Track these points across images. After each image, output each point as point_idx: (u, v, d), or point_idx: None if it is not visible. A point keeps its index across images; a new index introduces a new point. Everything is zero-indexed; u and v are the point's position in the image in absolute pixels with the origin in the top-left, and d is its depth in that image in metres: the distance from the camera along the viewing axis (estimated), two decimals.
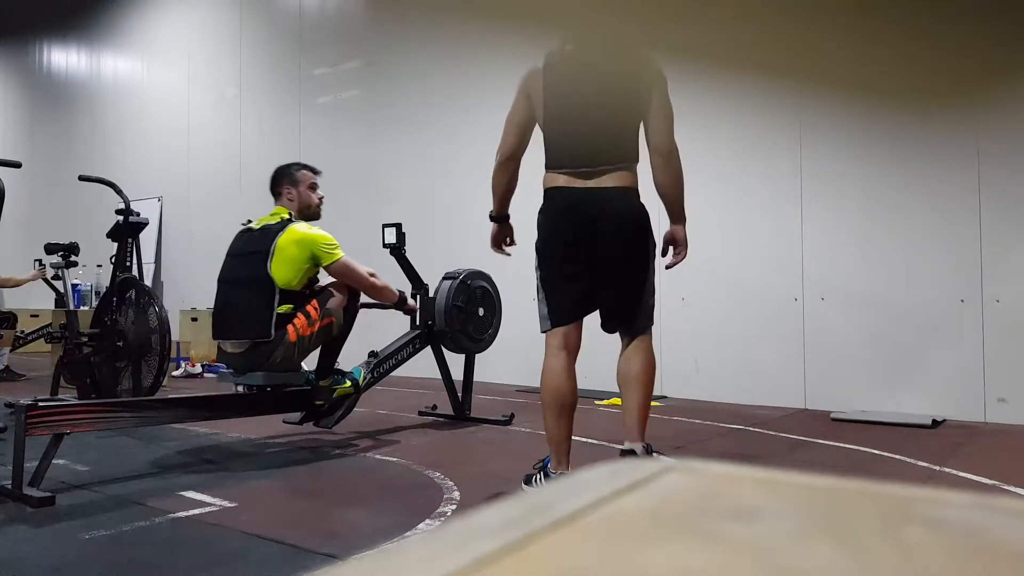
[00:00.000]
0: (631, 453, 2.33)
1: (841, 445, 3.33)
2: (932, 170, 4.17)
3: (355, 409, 3.80)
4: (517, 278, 5.76)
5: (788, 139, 4.61)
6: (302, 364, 3.34)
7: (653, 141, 2.38)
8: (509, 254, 2.71)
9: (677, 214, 2.49)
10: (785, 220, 4.61)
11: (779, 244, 4.63)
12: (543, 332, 2.43)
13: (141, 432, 3.49)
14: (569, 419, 2.38)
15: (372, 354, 3.69)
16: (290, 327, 3.10)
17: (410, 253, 4.00)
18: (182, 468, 2.92)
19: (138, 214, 4.33)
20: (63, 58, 10.81)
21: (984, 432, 3.69)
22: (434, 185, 6.33)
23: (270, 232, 3.19)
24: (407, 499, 2.49)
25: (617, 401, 4.68)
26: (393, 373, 3.80)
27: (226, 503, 2.37)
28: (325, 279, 3.38)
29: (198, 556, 1.91)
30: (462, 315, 3.92)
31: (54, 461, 2.49)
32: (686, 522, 0.33)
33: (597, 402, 4.66)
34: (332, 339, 3.31)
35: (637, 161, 2.39)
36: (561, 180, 2.38)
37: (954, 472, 2.80)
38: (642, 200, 2.41)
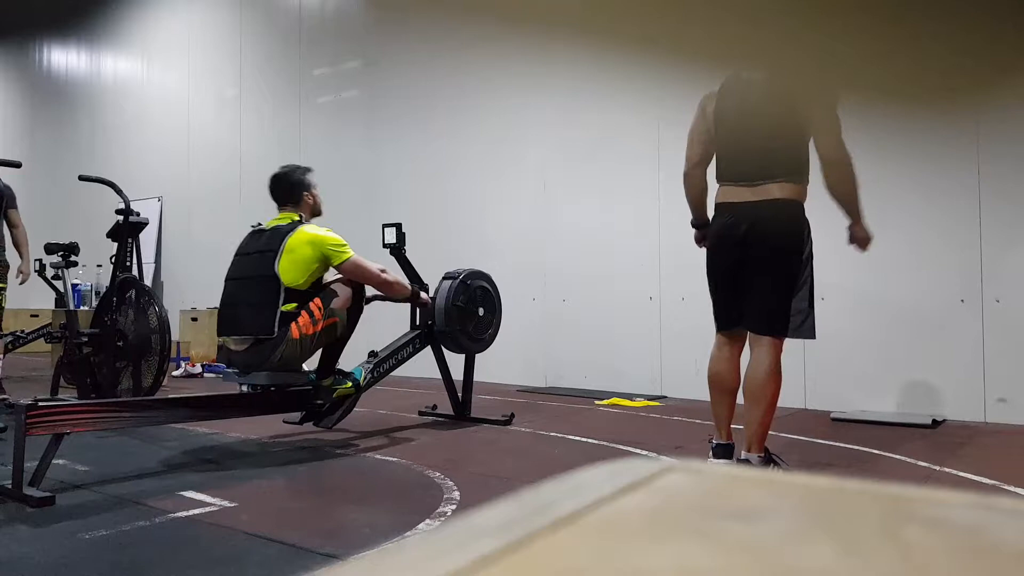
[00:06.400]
0: (746, 463, 2.56)
1: (841, 445, 3.33)
2: (932, 169, 4.17)
3: (355, 409, 3.80)
4: (517, 278, 5.78)
5: None
6: (303, 365, 3.34)
7: (821, 151, 2.57)
8: None
9: (851, 213, 2.67)
10: None
11: None
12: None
13: (141, 432, 3.48)
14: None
15: (372, 354, 3.69)
16: (293, 325, 3.11)
17: (410, 253, 4.00)
18: (182, 468, 2.92)
19: (138, 214, 4.32)
20: (63, 58, 10.81)
21: (984, 432, 3.69)
22: (434, 185, 6.33)
23: (279, 232, 3.25)
24: (407, 499, 2.49)
25: (617, 401, 4.72)
26: (393, 373, 3.80)
27: (226, 503, 2.37)
28: (328, 277, 3.38)
29: (198, 556, 1.91)
30: (462, 315, 3.92)
31: (54, 461, 2.49)
32: (686, 522, 0.33)
33: (597, 402, 4.66)
34: (335, 339, 3.32)
35: (801, 174, 2.56)
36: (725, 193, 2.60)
37: (954, 472, 2.80)
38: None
